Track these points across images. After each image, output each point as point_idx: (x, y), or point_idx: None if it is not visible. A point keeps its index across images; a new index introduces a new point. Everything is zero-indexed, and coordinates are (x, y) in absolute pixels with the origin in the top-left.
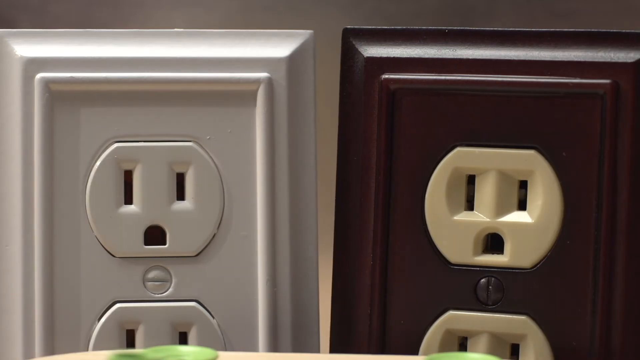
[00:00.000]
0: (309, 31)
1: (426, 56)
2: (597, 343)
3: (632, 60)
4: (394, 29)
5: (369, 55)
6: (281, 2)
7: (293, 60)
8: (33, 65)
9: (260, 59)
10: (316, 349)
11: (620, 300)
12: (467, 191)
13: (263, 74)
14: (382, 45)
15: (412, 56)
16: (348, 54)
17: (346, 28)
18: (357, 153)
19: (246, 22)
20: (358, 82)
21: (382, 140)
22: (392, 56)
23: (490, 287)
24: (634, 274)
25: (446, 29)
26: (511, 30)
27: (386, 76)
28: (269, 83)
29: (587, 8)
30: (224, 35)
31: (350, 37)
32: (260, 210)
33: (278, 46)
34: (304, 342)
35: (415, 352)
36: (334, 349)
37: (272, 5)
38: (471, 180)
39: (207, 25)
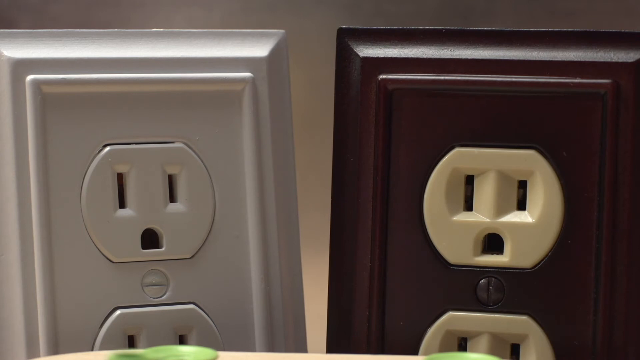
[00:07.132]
0: (282, 31)
1: (423, 56)
2: (600, 342)
3: (632, 60)
4: (390, 28)
5: (365, 55)
6: (281, 2)
7: (271, 59)
8: (22, 66)
9: (242, 58)
10: (304, 346)
11: (622, 300)
12: (465, 191)
13: (248, 74)
14: (379, 46)
15: (409, 56)
16: (343, 54)
17: (341, 28)
18: (353, 154)
19: (247, 22)
20: (354, 82)
21: (379, 141)
22: (388, 56)
23: (490, 287)
24: (636, 273)
25: (443, 29)
26: (510, 30)
27: (383, 76)
28: (253, 82)
29: (587, 8)
30: (202, 36)
31: (345, 37)
32: (250, 209)
33: (255, 46)
34: (294, 340)
35: (414, 353)
36: (330, 350)
37: (272, 5)
38: (468, 180)
39: (208, 26)
